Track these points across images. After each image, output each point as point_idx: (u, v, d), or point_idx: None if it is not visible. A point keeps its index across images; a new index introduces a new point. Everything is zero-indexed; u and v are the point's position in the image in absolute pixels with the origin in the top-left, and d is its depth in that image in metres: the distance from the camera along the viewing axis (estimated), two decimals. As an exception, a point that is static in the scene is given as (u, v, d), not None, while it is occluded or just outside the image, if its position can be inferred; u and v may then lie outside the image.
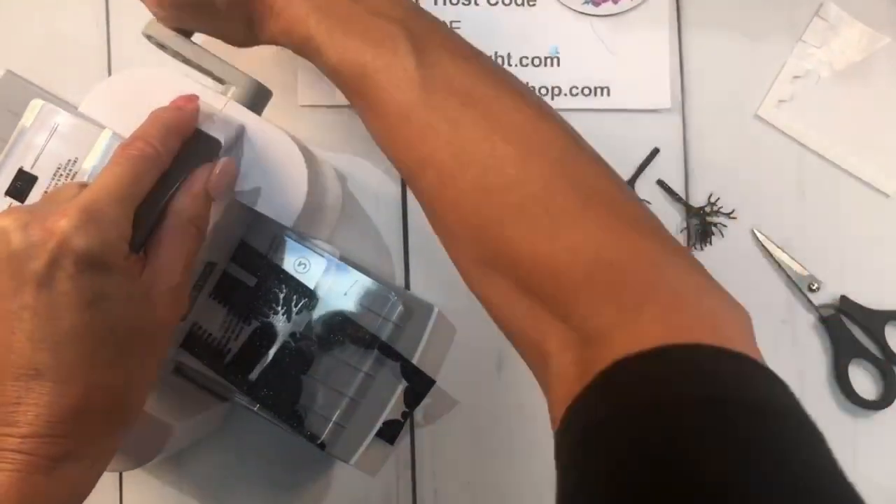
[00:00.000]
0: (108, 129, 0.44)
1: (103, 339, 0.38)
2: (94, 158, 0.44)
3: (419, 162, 0.40)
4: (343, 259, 0.51)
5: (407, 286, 0.60)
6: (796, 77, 0.61)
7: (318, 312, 0.51)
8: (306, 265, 0.51)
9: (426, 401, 0.52)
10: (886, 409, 0.59)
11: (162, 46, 0.47)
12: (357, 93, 0.42)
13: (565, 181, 0.38)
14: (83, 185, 0.39)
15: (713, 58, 0.61)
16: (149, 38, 0.47)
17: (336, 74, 0.42)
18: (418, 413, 0.59)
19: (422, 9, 0.44)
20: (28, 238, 0.36)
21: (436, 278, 0.60)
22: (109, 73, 0.60)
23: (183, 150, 0.42)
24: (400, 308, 0.51)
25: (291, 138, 0.47)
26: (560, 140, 0.39)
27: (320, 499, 0.59)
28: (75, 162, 0.44)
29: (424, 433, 0.59)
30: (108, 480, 0.58)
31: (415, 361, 0.52)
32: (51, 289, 0.36)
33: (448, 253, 0.42)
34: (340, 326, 0.51)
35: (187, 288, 0.43)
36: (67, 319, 0.36)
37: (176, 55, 0.47)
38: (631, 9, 0.61)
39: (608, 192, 0.38)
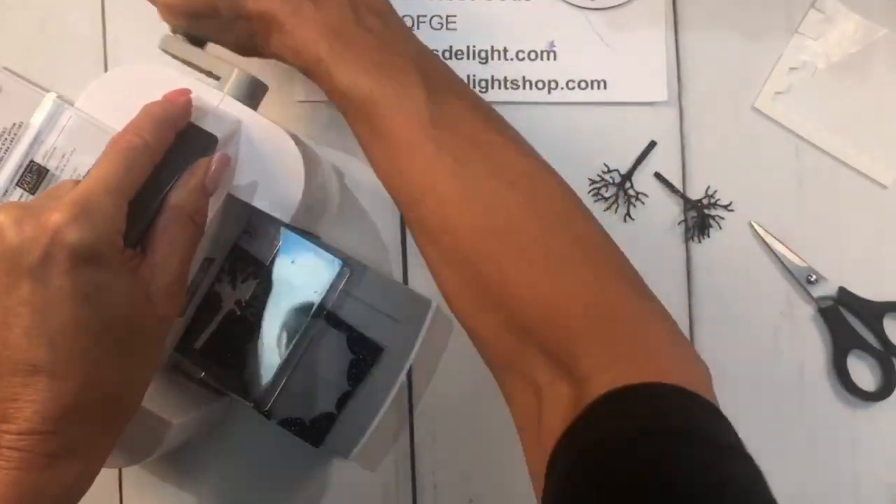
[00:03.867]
0: (52, 92, 0.44)
1: (100, 334, 0.38)
2: (38, 122, 0.43)
3: (420, 190, 0.42)
4: (290, 227, 0.51)
5: (405, 281, 0.60)
6: (793, 69, 0.61)
7: (263, 281, 0.51)
8: (252, 234, 0.51)
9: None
10: (885, 400, 0.59)
11: (176, 58, 0.48)
12: (362, 118, 0.43)
13: (566, 230, 0.41)
14: (77, 182, 0.39)
15: (710, 50, 0.61)
16: (165, 51, 0.48)
17: (343, 98, 0.43)
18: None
19: (426, 46, 0.47)
20: (22, 233, 0.36)
21: (434, 273, 0.60)
22: (106, 69, 0.60)
23: (179, 145, 0.42)
24: (347, 275, 0.51)
25: (288, 134, 0.47)
26: (562, 192, 0.43)
27: (320, 493, 0.59)
28: (20, 126, 0.44)
29: (424, 428, 0.59)
30: (107, 478, 0.58)
31: (412, 355, 0.52)
32: (46, 283, 0.36)
33: (437, 281, 0.43)
34: (287, 295, 0.51)
35: (185, 283, 0.43)
36: (63, 314, 0.36)
37: (191, 66, 0.48)
38: (627, 2, 0.60)
39: (603, 246, 0.42)
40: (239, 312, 0.50)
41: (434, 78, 0.43)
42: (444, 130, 0.41)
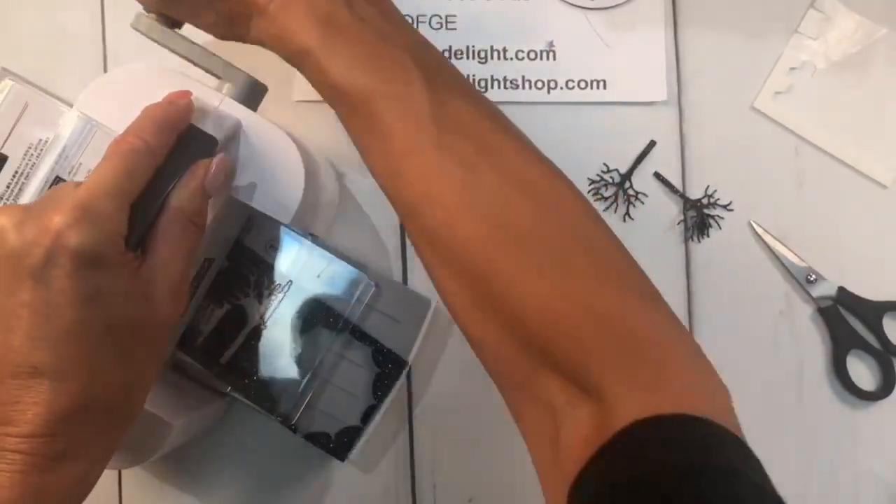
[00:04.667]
0: (76, 108, 0.44)
1: (102, 337, 0.38)
2: (64, 138, 0.44)
3: (425, 198, 0.39)
4: (315, 241, 0.51)
5: (405, 281, 0.60)
6: (792, 69, 0.61)
7: (289, 295, 0.51)
8: (277, 248, 0.51)
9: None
10: (885, 400, 0.59)
11: (154, 40, 0.46)
12: (358, 116, 0.40)
13: (581, 243, 0.38)
14: (79, 184, 0.39)
15: (709, 50, 0.61)
16: (137, 30, 0.46)
17: (335, 93, 0.41)
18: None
19: (425, 38, 0.43)
20: (23, 236, 0.36)
21: (433, 273, 0.60)
22: (105, 70, 0.60)
23: (179, 147, 0.42)
24: (373, 290, 0.51)
25: (288, 135, 0.47)
26: (574, 200, 0.40)
27: (320, 495, 0.59)
28: (46, 142, 0.44)
29: (424, 428, 0.59)
30: (107, 478, 0.58)
31: (412, 356, 0.52)
32: (48, 286, 0.36)
33: (441, 293, 0.41)
34: (312, 309, 0.51)
35: (187, 284, 0.43)
36: (65, 316, 0.36)
37: (169, 49, 0.47)
38: (626, 1, 0.60)
39: (617, 257, 0.39)
40: (265, 327, 0.51)
41: (436, 74, 0.40)
42: (450, 133, 0.39)
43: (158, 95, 0.43)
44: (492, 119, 0.41)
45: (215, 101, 0.45)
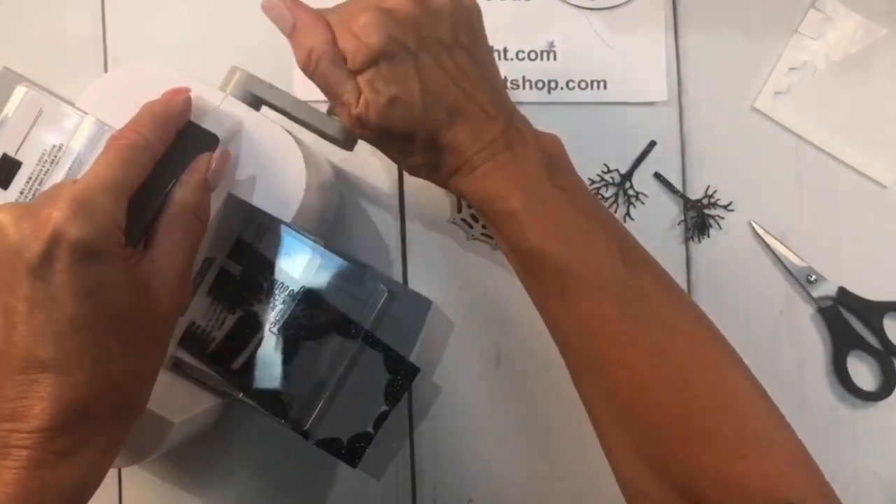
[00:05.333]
0: (91, 115, 0.44)
1: (105, 329, 0.38)
2: (78, 144, 0.44)
3: (612, 362, 0.42)
4: (328, 247, 0.52)
5: (405, 281, 0.60)
6: (793, 69, 0.61)
7: (301, 301, 0.51)
8: (289, 254, 0.51)
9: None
10: (885, 400, 0.59)
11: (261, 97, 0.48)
12: (552, 281, 0.43)
13: (755, 414, 0.42)
14: (77, 181, 0.39)
15: (710, 50, 0.61)
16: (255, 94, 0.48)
17: (531, 256, 0.43)
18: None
19: (603, 205, 0.47)
20: (21, 231, 0.36)
21: (433, 273, 0.60)
22: (106, 69, 0.60)
23: (180, 144, 0.42)
24: (385, 296, 0.51)
25: (289, 133, 0.47)
26: (748, 381, 0.43)
27: (320, 495, 0.59)
28: (60, 148, 0.44)
29: (424, 429, 0.59)
30: (107, 478, 0.58)
31: (412, 356, 0.52)
32: (48, 280, 0.36)
33: (608, 443, 0.44)
34: (325, 315, 0.51)
35: (189, 279, 0.43)
36: (67, 310, 0.36)
37: (272, 103, 0.48)
38: (627, 2, 0.61)
39: (782, 426, 0.43)
40: (277, 333, 0.51)
41: (625, 245, 0.44)
42: (641, 312, 0.42)
43: (158, 94, 0.44)
44: (673, 294, 0.45)
45: (217, 100, 0.45)
